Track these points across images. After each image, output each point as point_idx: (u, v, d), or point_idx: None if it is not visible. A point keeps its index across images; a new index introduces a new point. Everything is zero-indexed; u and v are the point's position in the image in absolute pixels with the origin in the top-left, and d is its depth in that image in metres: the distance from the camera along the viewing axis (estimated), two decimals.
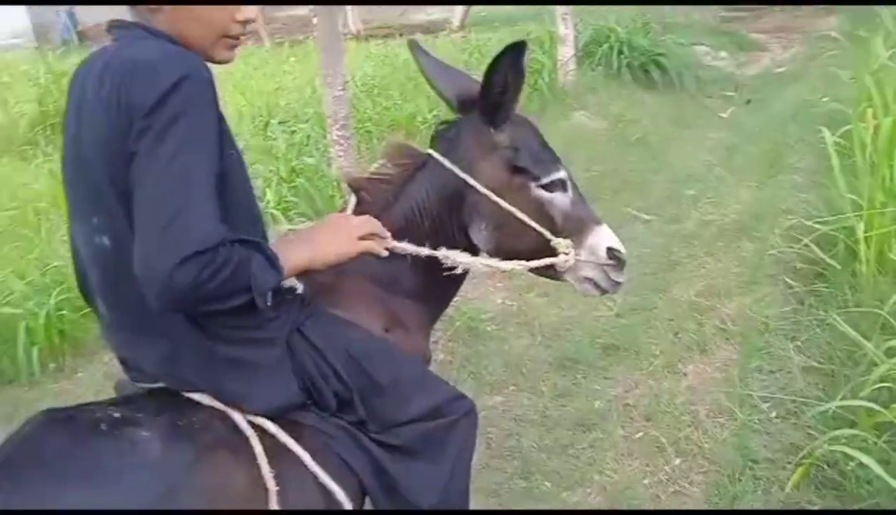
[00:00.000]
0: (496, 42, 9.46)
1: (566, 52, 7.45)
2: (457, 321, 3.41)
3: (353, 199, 1.70)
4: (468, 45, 10.34)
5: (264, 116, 6.71)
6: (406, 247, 1.59)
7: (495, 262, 1.69)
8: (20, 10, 19.75)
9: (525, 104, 6.58)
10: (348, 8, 17.08)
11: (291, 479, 1.36)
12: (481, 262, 1.69)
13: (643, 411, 2.76)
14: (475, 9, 16.58)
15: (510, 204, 1.63)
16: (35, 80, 8.34)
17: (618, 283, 1.74)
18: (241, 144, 5.26)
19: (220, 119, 1.24)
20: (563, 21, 7.35)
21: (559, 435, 2.71)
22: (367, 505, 1.51)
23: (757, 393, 2.64)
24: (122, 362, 1.43)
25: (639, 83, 7.65)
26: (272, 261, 1.25)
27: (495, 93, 1.58)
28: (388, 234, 1.56)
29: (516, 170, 1.64)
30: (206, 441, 1.32)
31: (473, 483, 2.03)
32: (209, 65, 1.25)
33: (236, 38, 1.31)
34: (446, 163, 1.62)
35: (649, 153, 5.84)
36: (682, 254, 4.01)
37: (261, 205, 4.05)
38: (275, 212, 3.99)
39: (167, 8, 1.25)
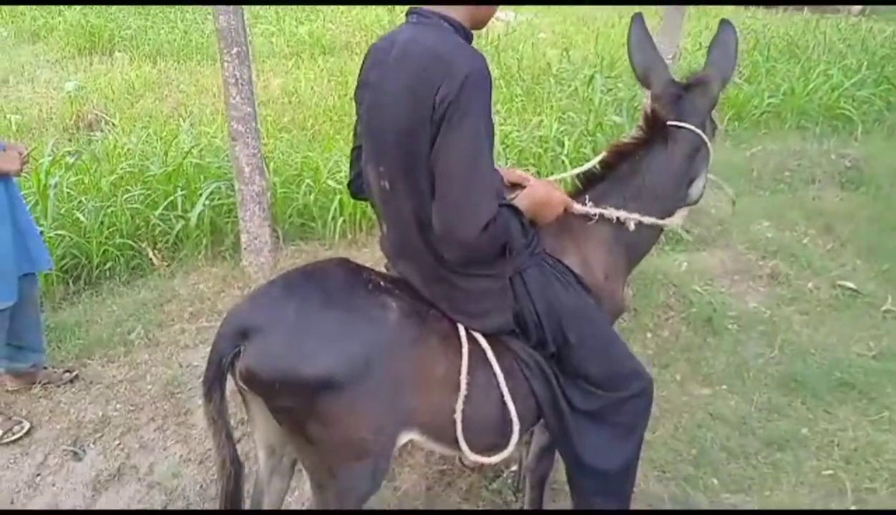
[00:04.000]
0: (889, 34, 8.46)
1: None
2: (695, 306, 3.44)
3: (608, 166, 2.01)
4: (857, 31, 9.38)
5: (603, 68, 6.93)
6: (587, 209, 1.90)
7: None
8: None
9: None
10: None
11: (481, 388, 1.70)
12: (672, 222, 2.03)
13: (845, 452, 2.62)
14: None
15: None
16: None
17: None
18: (568, 91, 5.64)
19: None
20: None
21: (748, 443, 2.70)
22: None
23: None
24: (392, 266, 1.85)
25: None
26: (524, 228, 1.63)
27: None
28: (575, 207, 1.87)
29: (714, 130, 2.07)
30: (430, 328, 1.68)
31: (645, 453, 2.22)
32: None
33: None
34: (694, 128, 1.96)
35: None
36: None
37: (558, 150, 4.40)
38: (566, 159, 4.26)
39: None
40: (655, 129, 1.96)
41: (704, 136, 1.98)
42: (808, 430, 2.77)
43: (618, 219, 1.90)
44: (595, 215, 1.89)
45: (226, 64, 3.37)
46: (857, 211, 4.48)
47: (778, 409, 2.90)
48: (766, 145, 5.33)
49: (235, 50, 3.34)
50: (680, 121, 1.96)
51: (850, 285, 3.74)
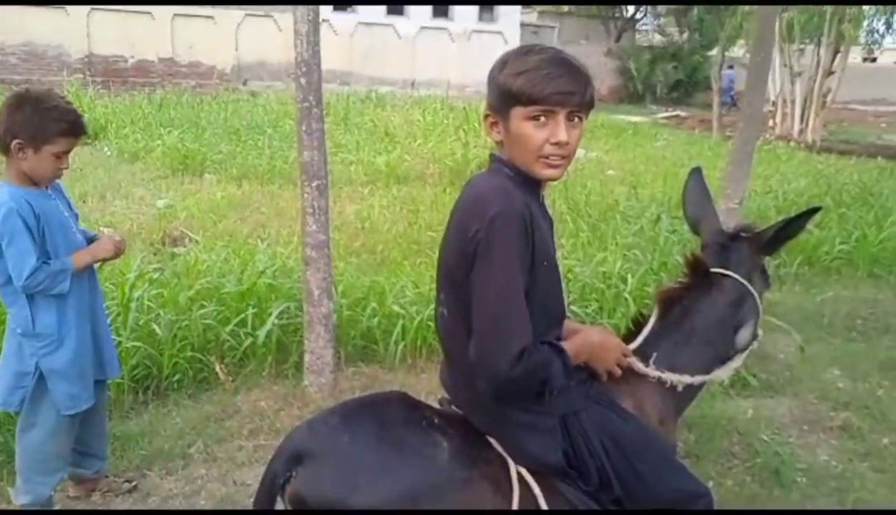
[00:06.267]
0: None
1: None
2: (761, 456, 3.31)
3: (656, 311, 2.04)
4: None
5: (670, 208, 7.01)
6: (648, 371, 1.94)
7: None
8: None
9: None
10: (811, 118, 16.40)
11: None
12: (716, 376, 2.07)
13: None
14: None
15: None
16: None
17: None
18: (634, 228, 5.73)
19: (534, 237, 1.59)
20: None
21: None
22: None
23: None
24: (447, 392, 1.91)
25: None
26: (567, 368, 1.67)
27: (786, 239, 2.05)
28: (632, 362, 1.91)
29: (766, 283, 2.13)
30: (480, 472, 1.70)
31: None
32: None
33: (550, 157, 1.61)
34: (738, 277, 2.02)
35: None
36: None
37: (621, 286, 4.41)
38: (628, 296, 4.27)
39: (506, 139, 1.65)
40: (698, 275, 2.02)
41: (748, 285, 2.02)
42: None
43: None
44: (655, 377, 1.93)
45: (306, 194, 3.59)
46: None
47: None
48: (838, 292, 5.23)
49: (316, 183, 3.57)
50: (724, 268, 2.02)
51: None
